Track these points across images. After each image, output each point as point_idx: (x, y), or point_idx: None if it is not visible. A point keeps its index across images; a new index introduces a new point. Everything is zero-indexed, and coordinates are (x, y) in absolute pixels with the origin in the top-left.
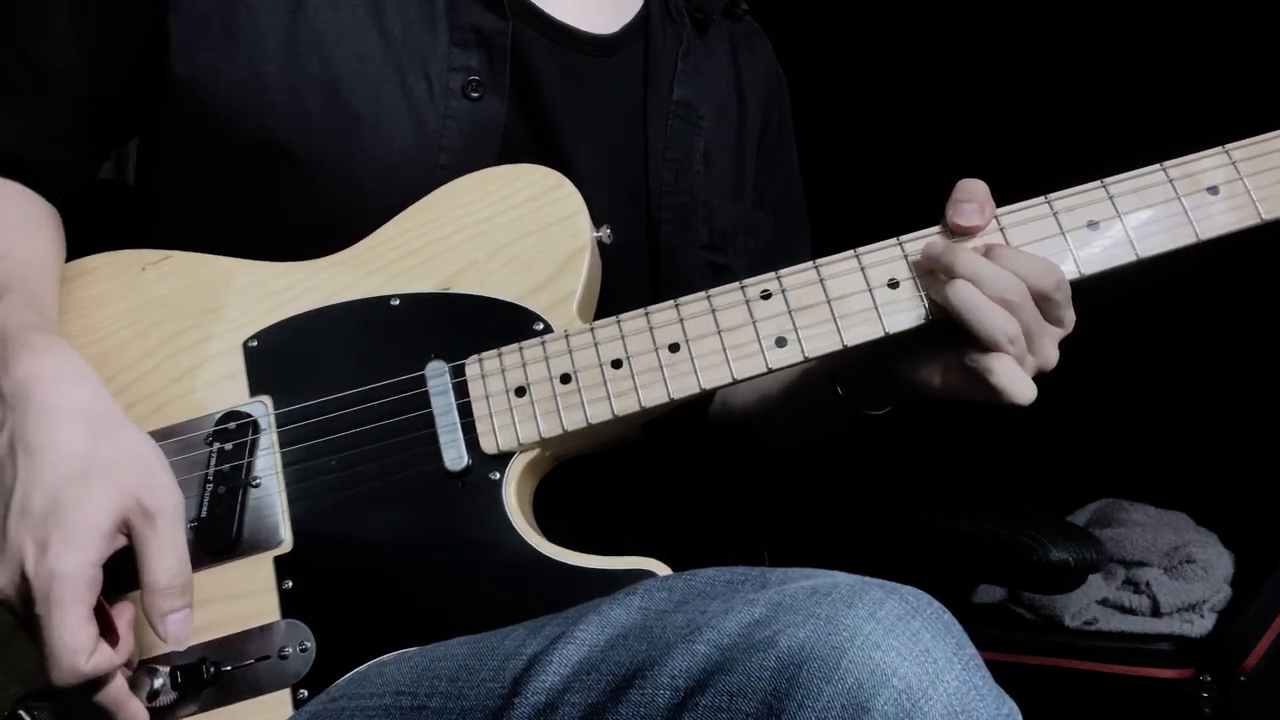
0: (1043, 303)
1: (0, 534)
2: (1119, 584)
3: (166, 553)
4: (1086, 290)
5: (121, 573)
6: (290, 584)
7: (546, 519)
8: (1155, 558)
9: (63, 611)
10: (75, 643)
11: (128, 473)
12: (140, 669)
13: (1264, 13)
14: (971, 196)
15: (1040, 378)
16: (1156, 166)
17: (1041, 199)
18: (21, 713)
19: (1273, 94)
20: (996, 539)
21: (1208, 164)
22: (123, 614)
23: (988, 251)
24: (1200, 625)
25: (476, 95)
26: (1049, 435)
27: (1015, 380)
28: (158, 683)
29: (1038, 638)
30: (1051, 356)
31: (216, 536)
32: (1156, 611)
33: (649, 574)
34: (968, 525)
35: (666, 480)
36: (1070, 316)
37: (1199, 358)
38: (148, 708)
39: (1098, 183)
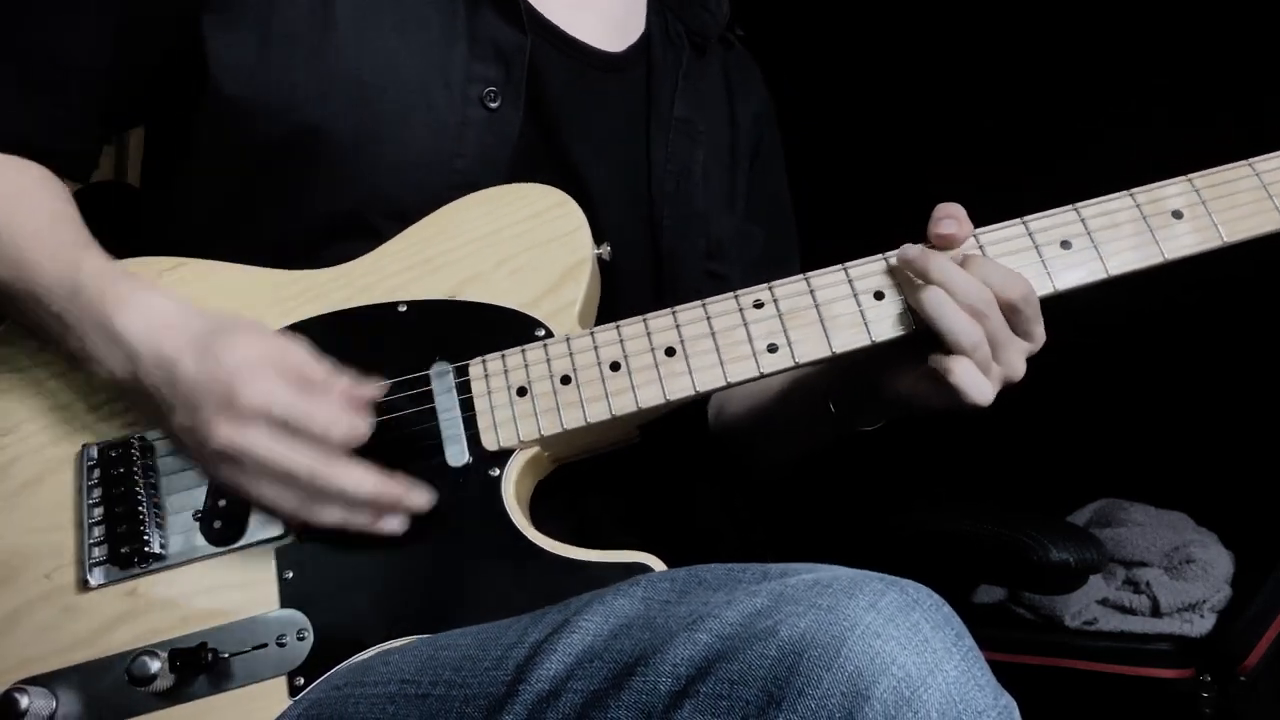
0: (1011, 314)
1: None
2: (1119, 584)
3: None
4: (1084, 296)
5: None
6: (291, 574)
7: (548, 522)
8: (1155, 558)
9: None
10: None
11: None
12: (137, 653)
13: (1264, 18)
14: (950, 214)
15: (1039, 378)
16: (1124, 193)
17: (1017, 220)
18: (14, 693)
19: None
20: (997, 539)
21: (1172, 190)
22: None
23: (963, 262)
24: (1200, 625)
25: (494, 105)
26: (1049, 435)
27: (973, 381)
28: (155, 666)
29: (1038, 638)
30: (1019, 368)
31: (222, 527)
32: (1156, 611)
33: (644, 567)
34: (968, 525)
35: (666, 484)
36: (1039, 332)
37: (1199, 358)
38: (146, 692)
39: (1069, 207)
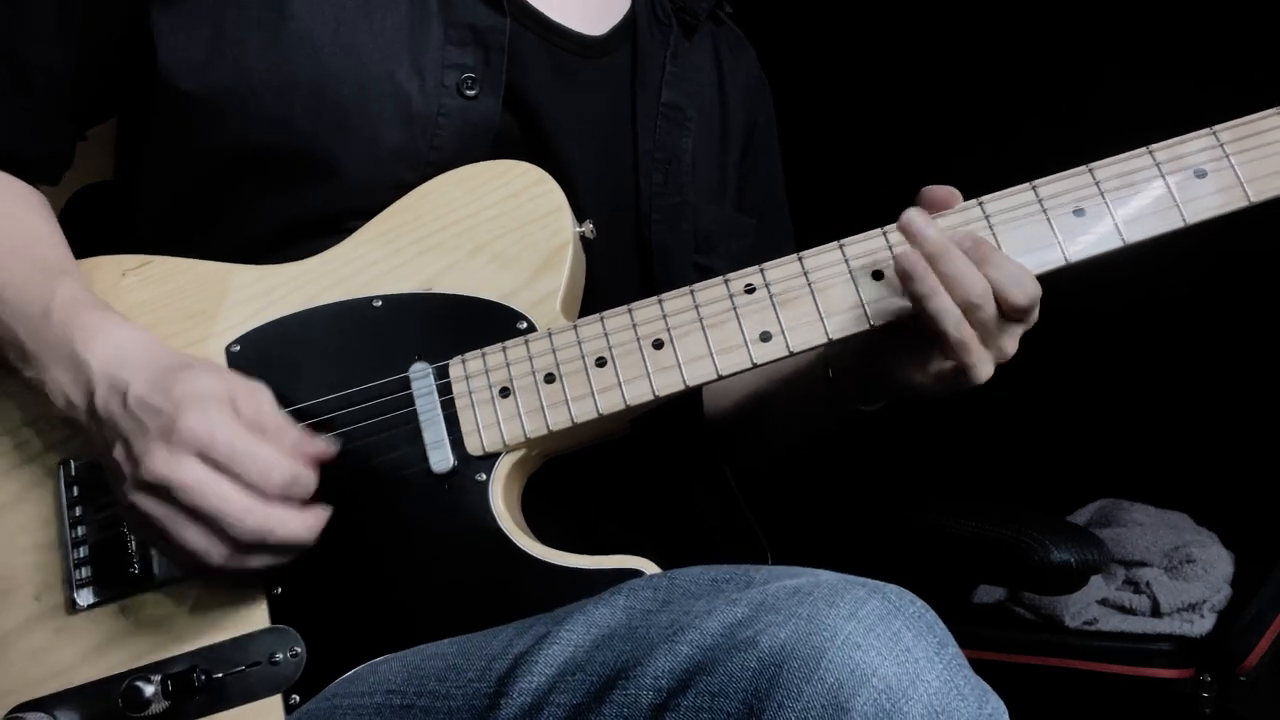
0: (1011, 310)
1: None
2: (1119, 584)
3: None
4: (1088, 283)
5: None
6: (280, 590)
7: (542, 518)
8: (1155, 558)
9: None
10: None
11: None
12: (130, 679)
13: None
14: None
15: (1039, 377)
16: (1143, 150)
17: (1027, 185)
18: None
19: (1267, 69)
20: (998, 539)
21: (1194, 146)
22: None
23: (974, 247)
24: (1200, 625)
25: (472, 93)
26: (1049, 435)
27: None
28: (149, 691)
29: (1038, 638)
30: (1012, 349)
31: None
32: (1156, 611)
33: (637, 573)
34: (969, 525)
35: (662, 476)
36: (1034, 316)
37: (1199, 357)
38: (139, 718)
39: (1084, 168)
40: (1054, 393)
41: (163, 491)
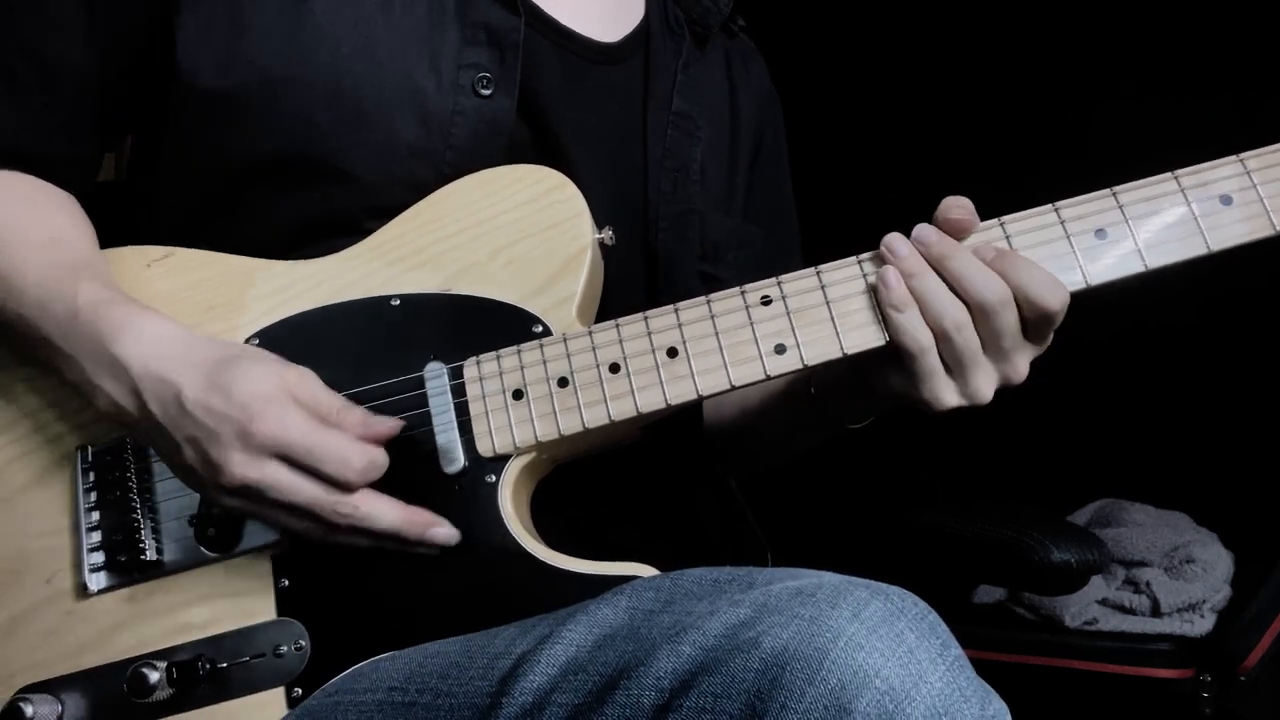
0: (1042, 320)
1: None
2: (1119, 584)
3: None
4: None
5: None
6: (287, 583)
7: (549, 522)
8: (1155, 558)
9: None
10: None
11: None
12: (136, 665)
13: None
14: (960, 203)
15: (1039, 378)
16: (1169, 175)
17: (1049, 207)
18: (19, 703)
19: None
20: (998, 539)
21: (1221, 173)
22: None
23: (996, 258)
24: (1200, 625)
25: (487, 93)
26: (1049, 435)
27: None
28: (154, 678)
29: (1038, 638)
30: (1023, 371)
31: (217, 534)
32: (1156, 611)
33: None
34: (969, 525)
35: (669, 481)
36: (1049, 337)
37: (1199, 358)
38: (143, 704)
39: (1107, 191)
40: (1054, 393)
41: (253, 494)
